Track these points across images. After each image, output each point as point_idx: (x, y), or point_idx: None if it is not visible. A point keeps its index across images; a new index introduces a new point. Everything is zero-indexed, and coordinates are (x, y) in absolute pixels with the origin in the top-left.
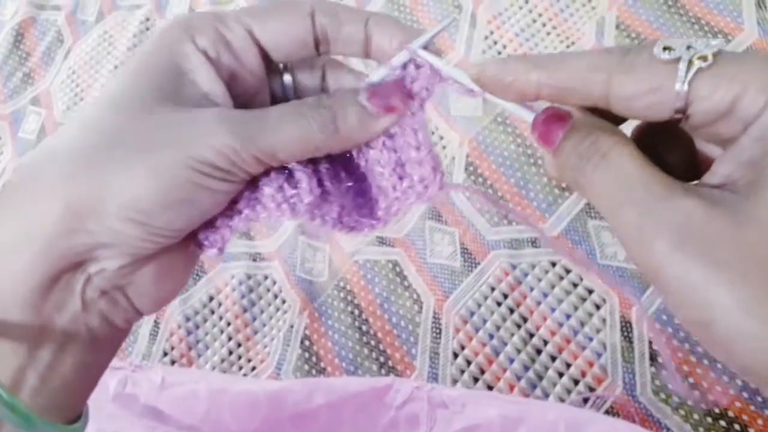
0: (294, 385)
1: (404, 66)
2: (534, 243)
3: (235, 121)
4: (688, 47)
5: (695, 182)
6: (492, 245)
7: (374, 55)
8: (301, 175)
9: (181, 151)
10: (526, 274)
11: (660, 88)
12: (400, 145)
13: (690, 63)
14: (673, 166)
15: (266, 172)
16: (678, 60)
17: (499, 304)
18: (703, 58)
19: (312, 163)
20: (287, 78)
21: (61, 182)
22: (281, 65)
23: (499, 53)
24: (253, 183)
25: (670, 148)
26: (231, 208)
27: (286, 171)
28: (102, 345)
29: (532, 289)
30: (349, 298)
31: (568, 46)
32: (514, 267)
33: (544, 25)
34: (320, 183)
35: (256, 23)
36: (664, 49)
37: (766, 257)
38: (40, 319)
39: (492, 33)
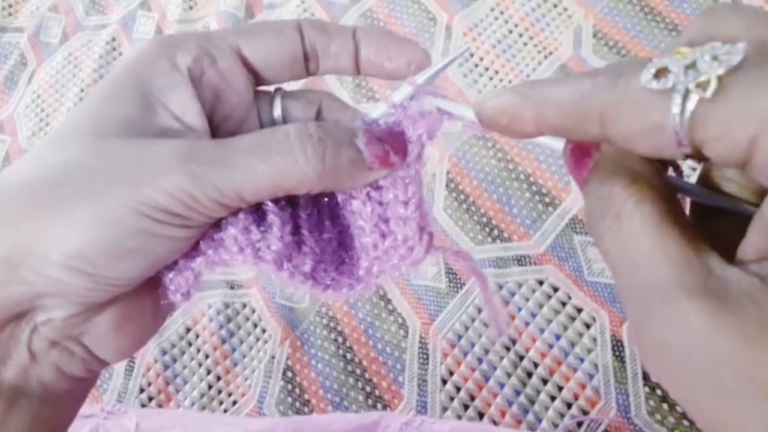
0: (277, 425)
1: (403, 104)
2: (519, 261)
3: (195, 156)
4: (689, 67)
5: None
6: (477, 264)
7: (364, 70)
8: (274, 219)
9: (129, 194)
10: (513, 294)
11: (659, 127)
12: (388, 198)
13: (687, 94)
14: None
15: (235, 210)
16: (672, 88)
17: (486, 326)
18: (703, 86)
19: (291, 205)
20: (277, 108)
21: (1, 229)
22: (272, 91)
23: (476, 66)
24: (218, 219)
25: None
26: (195, 247)
27: (258, 211)
28: (60, 397)
29: (520, 309)
30: (331, 324)
31: (545, 57)
32: (500, 287)
33: (520, 35)
34: (296, 229)
35: (243, 41)
36: (657, 74)
37: None
38: None
39: (468, 45)
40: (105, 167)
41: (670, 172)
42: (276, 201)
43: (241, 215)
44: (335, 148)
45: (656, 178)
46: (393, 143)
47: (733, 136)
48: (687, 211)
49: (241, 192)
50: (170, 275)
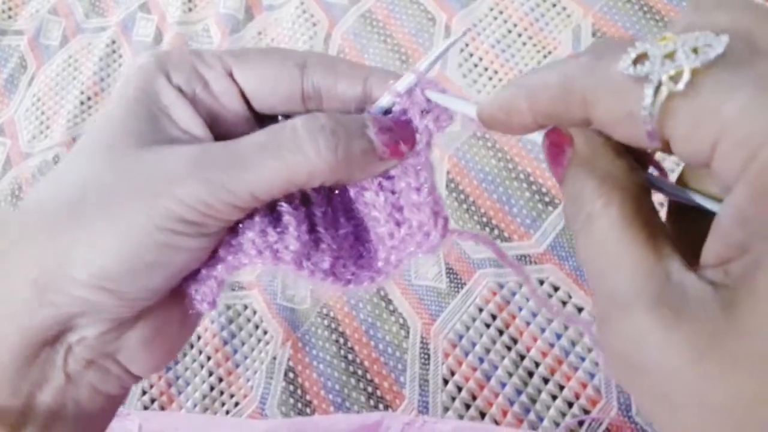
0: (279, 427)
1: (410, 94)
2: (520, 260)
3: (206, 161)
4: (666, 56)
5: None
6: (478, 264)
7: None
8: (289, 219)
9: (145, 207)
10: (513, 293)
11: (633, 116)
12: (400, 187)
13: (659, 85)
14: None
15: (249, 213)
16: (646, 77)
17: (487, 325)
18: (676, 78)
19: (304, 203)
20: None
21: (28, 254)
22: None
23: (476, 65)
24: (235, 225)
25: None
26: (214, 255)
27: (273, 212)
28: (93, 416)
29: (520, 309)
30: (333, 325)
31: (545, 56)
32: (501, 286)
33: (519, 35)
34: (312, 228)
35: (236, 65)
36: (636, 59)
37: (729, 410)
38: (20, 401)
39: (467, 45)
40: (121, 181)
41: (652, 170)
42: (290, 200)
43: (256, 218)
44: (347, 139)
45: (628, 178)
46: (402, 132)
47: (698, 136)
48: (666, 210)
49: (255, 192)
50: (194, 286)
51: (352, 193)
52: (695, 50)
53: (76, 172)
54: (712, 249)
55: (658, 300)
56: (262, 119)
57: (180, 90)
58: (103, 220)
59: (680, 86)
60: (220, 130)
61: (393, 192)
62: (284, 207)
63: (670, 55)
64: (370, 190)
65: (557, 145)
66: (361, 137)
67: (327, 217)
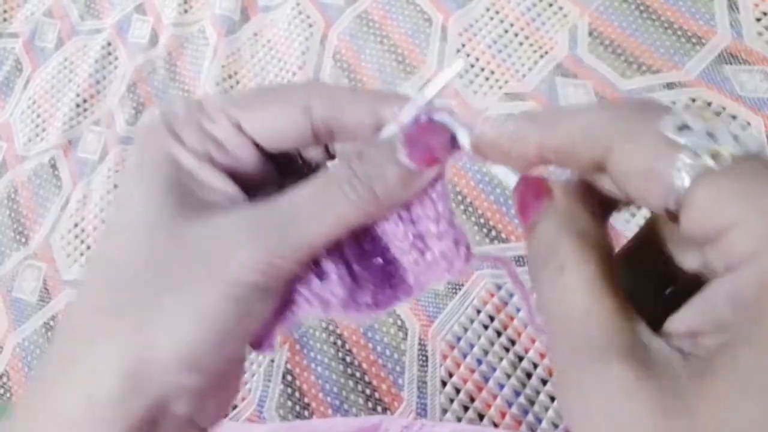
0: (278, 429)
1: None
2: (518, 261)
3: (262, 226)
4: (708, 133)
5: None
6: (475, 265)
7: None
8: (329, 265)
9: (216, 282)
10: (511, 295)
11: (657, 176)
12: (418, 215)
13: (697, 157)
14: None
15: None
16: (686, 146)
17: (485, 327)
18: (716, 157)
19: (336, 245)
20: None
21: (110, 348)
22: None
23: (472, 66)
24: None
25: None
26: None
27: (313, 263)
28: None
29: (518, 310)
30: (331, 327)
31: (541, 56)
32: (499, 287)
33: (516, 35)
34: (348, 268)
35: (243, 116)
36: (681, 128)
37: None
38: None
39: (464, 45)
40: (182, 260)
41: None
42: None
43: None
44: (381, 177)
45: (602, 238)
46: (431, 138)
47: (715, 213)
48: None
49: (314, 245)
50: (259, 336)
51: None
52: (736, 138)
53: (127, 256)
54: (684, 319)
55: (630, 352)
56: (275, 155)
57: (198, 154)
58: (178, 302)
59: (718, 166)
60: (240, 179)
61: (412, 222)
62: (322, 254)
63: (711, 134)
64: (390, 222)
65: (535, 190)
66: (393, 165)
67: (358, 252)
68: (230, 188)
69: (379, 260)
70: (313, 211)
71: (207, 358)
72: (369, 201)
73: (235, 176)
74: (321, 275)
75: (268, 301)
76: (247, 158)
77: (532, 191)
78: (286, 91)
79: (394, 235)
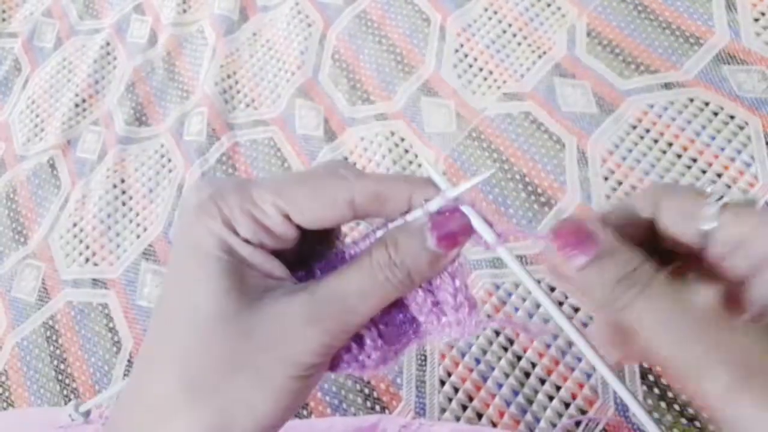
0: None
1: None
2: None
3: (319, 311)
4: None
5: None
6: (474, 265)
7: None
8: (366, 333)
9: (283, 367)
10: (510, 294)
11: (690, 213)
12: (436, 284)
13: (720, 199)
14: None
15: None
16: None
17: (484, 327)
18: (733, 199)
19: None
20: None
21: (194, 425)
22: None
23: (470, 66)
24: None
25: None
26: None
27: None
28: None
29: (517, 310)
30: None
31: (539, 56)
32: (497, 287)
33: (514, 35)
34: (377, 328)
35: (292, 209)
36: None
37: None
38: None
39: (462, 46)
40: (252, 346)
41: None
42: None
43: None
44: (415, 263)
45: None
46: (457, 227)
47: (741, 223)
48: None
49: (363, 323)
50: None
51: None
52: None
53: (199, 346)
54: (756, 301)
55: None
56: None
57: (248, 241)
58: (252, 385)
59: (737, 203)
60: (286, 258)
61: (431, 291)
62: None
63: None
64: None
65: (585, 233)
66: (424, 252)
67: (386, 316)
68: (279, 270)
69: (401, 318)
70: (363, 296)
71: (277, 426)
72: (406, 283)
73: (280, 255)
74: (359, 341)
75: (322, 371)
76: (291, 240)
77: (582, 233)
78: (331, 185)
79: (415, 300)
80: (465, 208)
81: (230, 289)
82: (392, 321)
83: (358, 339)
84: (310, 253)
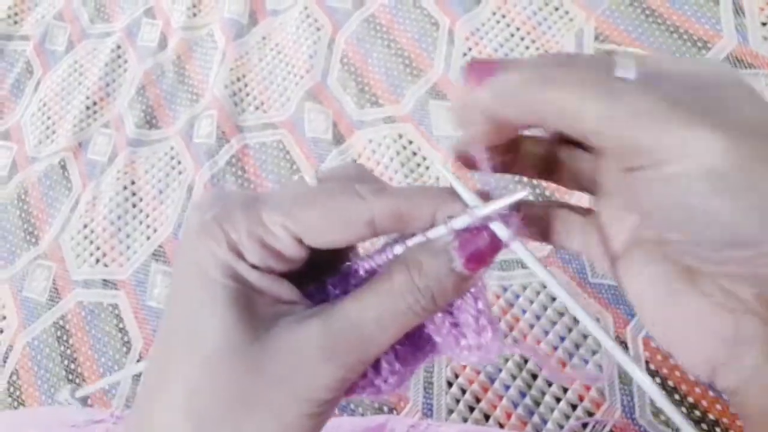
0: None
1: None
2: (523, 263)
3: (334, 345)
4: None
5: None
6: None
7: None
8: (384, 358)
9: (297, 402)
10: (517, 296)
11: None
12: (456, 305)
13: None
14: None
15: None
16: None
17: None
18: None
19: None
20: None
21: None
22: None
23: None
24: None
25: None
26: None
27: None
28: None
29: (524, 312)
30: None
31: None
32: (505, 289)
33: (522, 39)
34: (395, 352)
35: (304, 232)
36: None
37: None
38: None
39: (470, 49)
40: (262, 381)
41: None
42: None
43: None
44: (441, 288)
45: None
46: (484, 249)
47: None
48: None
49: (380, 352)
50: None
51: None
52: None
53: (207, 383)
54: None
55: None
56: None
57: (256, 266)
58: (263, 424)
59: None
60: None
61: (450, 312)
62: None
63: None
64: None
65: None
66: (450, 275)
67: (403, 338)
68: (289, 294)
69: (417, 337)
70: (383, 324)
71: None
72: (429, 309)
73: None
74: (375, 366)
75: (336, 404)
76: (302, 261)
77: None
78: (347, 205)
79: (433, 321)
80: (495, 225)
81: (238, 319)
82: (408, 341)
83: (374, 364)
84: (321, 265)
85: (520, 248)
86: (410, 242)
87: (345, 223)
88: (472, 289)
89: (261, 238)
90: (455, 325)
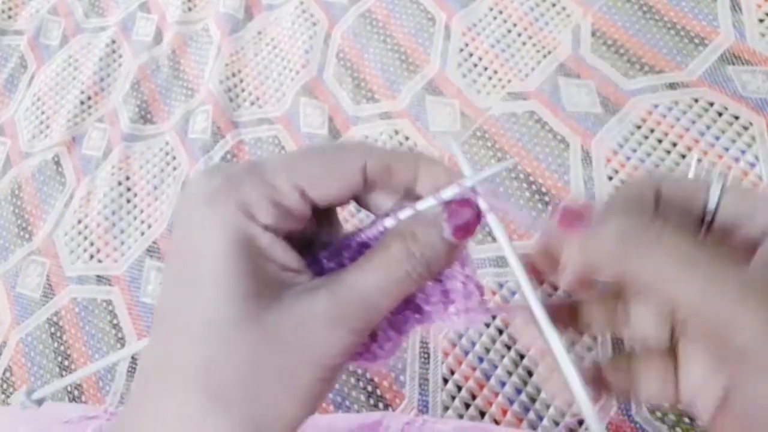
0: None
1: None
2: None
3: (341, 311)
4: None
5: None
6: (478, 264)
7: (418, 195)
8: (380, 325)
9: (309, 370)
10: (513, 293)
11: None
12: (446, 273)
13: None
14: None
15: None
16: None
17: (487, 325)
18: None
19: None
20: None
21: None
22: None
23: (475, 65)
24: None
25: None
26: None
27: None
28: None
29: None
30: None
31: (544, 56)
32: (501, 286)
33: (519, 35)
34: (387, 320)
35: (309, 184)
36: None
37: None
38: None
39: (467, 45)
40: (275, 349)
41: None
42: None
43: None
44: (435, 255)
45: None
46: (471, 219)
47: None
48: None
49: (383, 314)
50: None
51: None
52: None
53: (220, 354)
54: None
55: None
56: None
57: (269, 228)
58: (278, 389)
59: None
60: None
61: (439, 280)
62: None
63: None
64: None
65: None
66: (442, 243)
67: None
68: (295, 262)
69: (405, 305)
70: (384, 291)
71: (302, 424)
72: (425, 275)
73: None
74: (371, 334)
75: (342, 368)
76: (306, 220)
77: (575, 210)
78: (343, 154)
79: (423, 290)
80: (479, 198)
81: (249, 289)
82: (397, 309)
83: (370, 333)
84: (311, 241)
85: (493, 220)
86: (402, 215)
87: (343, 171)
88: (462, 258)
89: (271, 196)
90: (445, 292)
